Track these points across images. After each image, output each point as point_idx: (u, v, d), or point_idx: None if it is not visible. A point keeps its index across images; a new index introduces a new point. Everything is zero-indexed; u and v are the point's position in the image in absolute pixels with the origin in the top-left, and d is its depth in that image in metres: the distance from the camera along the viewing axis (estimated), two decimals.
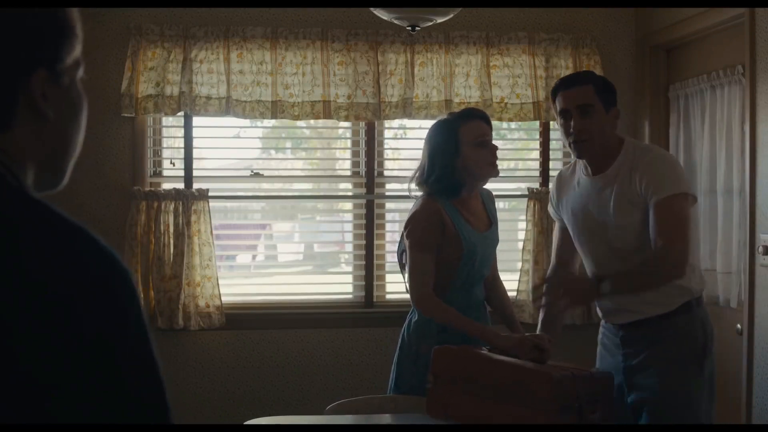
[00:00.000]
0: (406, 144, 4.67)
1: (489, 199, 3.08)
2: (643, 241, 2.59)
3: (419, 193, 3.00)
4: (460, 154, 2.86)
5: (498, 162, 2.93)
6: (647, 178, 2.57)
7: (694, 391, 2.62)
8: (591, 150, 2.65)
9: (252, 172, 4.39)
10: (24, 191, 0.94)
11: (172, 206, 4.07)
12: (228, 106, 4.08)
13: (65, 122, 1.01)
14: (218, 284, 4.12)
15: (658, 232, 2.53)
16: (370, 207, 4.37)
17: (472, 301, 2.97)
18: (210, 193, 4.11)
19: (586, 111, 2.62)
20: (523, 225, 4.41)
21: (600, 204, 2.67)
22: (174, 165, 4.27)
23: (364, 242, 4.37)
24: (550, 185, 2.93)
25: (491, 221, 3.03)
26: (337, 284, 4.51)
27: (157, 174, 4.26)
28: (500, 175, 3.00)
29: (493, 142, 2.96)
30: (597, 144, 2.64)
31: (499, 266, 4.84)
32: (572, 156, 2.79)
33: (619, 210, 2.61)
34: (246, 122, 4.34)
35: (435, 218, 2.87)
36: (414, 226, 2.90)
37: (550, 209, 2.92)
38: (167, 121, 4.33)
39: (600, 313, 2.82)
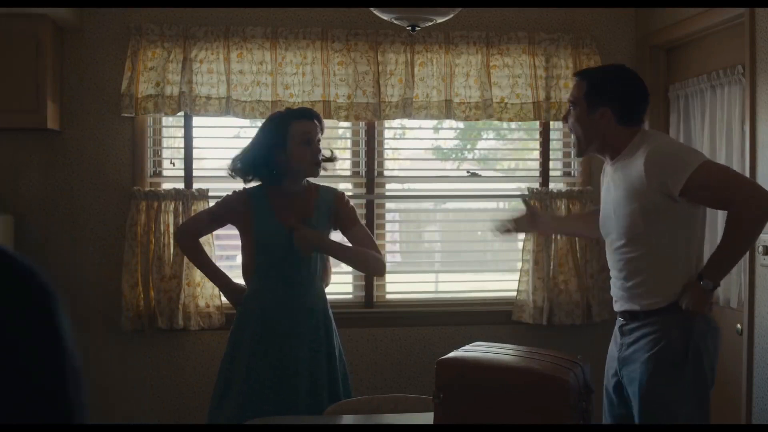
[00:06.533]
0: (406, 144, 4.67)
1: (327, 200, 3.22)
2: (638, 234, 2.58)
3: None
4: (285, 149, 3.11)
5: (322, 163, 3.17)
6: (657, 176, 2.50)
7: (672, 394, 2.52)
8: (579, 148, 2.71)
9: None
10: None
11: (172, 206, 4.07)
12: (228, 106, 4.08)
13: None
14: None
15: (716, 205, 2.57)
16: (370, 207, 4.37)
17: (276, 292, 3.09)
18: (210, 193, 4.11)
19: (571, 108, 2.70)
20: None
21: (613, 191, 2.67)
22: (174, 165, 4.27)
23: None
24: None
25: (315, 220, 3.15)
26: (337, 284, 4.50)
27: (157, 174, 4.26)
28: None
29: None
30: (585, 142, 2.68)
31: (499, 266, 4.79)
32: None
33: (625, 198, 2.60)
34: (246, 122, 4.33)
35: (235, 200, 3.20)
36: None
37: None
38: (167, 121, 4.33)
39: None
